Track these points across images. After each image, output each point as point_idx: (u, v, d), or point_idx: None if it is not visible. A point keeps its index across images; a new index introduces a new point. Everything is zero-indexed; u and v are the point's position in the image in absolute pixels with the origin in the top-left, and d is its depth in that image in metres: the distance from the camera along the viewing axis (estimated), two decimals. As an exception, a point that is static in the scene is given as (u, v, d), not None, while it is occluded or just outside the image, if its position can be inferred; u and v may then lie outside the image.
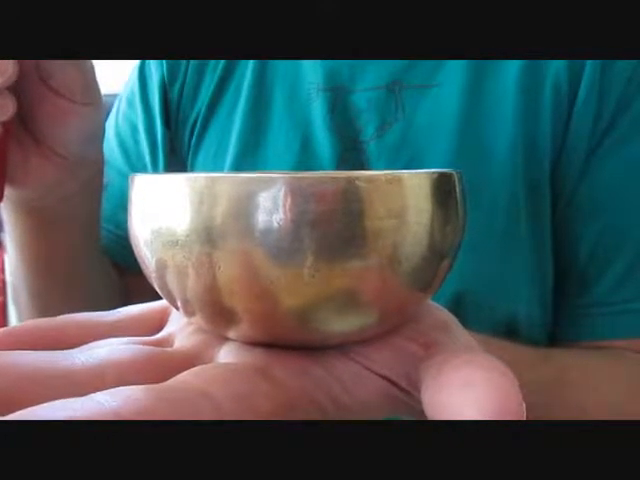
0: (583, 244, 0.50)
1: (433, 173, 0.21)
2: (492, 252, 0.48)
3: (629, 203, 0.49)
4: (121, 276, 0.57)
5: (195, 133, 0.56)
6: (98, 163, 0.45)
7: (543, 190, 0.49)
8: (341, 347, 0.21)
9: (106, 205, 0.56)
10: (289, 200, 0.19)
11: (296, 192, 0.19)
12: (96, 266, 0.53)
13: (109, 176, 0.58)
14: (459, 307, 0.46)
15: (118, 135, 0.60)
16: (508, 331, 0.49)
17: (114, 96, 0.63)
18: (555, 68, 0.48)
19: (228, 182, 0.19)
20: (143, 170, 0.58)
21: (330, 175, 0.20)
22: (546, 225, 0.50)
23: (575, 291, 0.51)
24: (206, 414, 0.16)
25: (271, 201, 0.18)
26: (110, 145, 0.59)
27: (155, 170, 0.57)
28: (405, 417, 0.23)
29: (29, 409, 0.14)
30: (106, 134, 0.59)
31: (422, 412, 0.21)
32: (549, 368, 0.44)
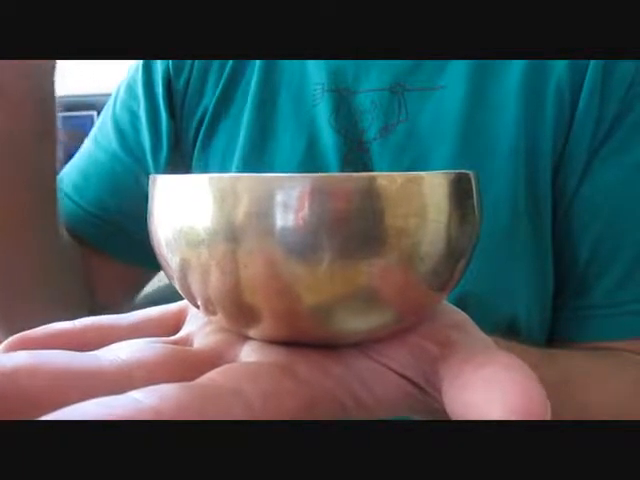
0: (583, 246, 0.50)
1: (452, 173, 0.21)
2: (493, 254, 0.49)
3: (629, 206, 0.49)
4: (106, 264, 0.57)
5: (202, 132, 0.56)
6: (47, 111, 0.45)
7: (544, 193, 0.49)
8: (359, 345, 0.21)
9: (91, 188, 0.55)
10: (311, 199, 0.19)
11: (318, 191, 0.19)
12: (49, 237, 0.51)
13: (98, 158, 0.58)
14: (461, 309, 0.46)
15: (115, 122, 0.59)
16: (508, 332, 0.49)
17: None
18: (557, 72, 0.48)
19: (251, 181, 0.19)
20: (142, 157, 0.58)
21: (351, 174, 0.20)
22: (547, 227, 0.50)
23: (575, 292, 0.51)
24: (238, 412, 0.16)
25: (293, 200, 0.19)
26: (105, 128, 0.60)
27: (157, 159, 0.57)
28: (417, 417, 0.23)
29: (67, 408, 0.14)
30: (102, 118, 0.59)
31: (437, 411, 0.21)
32: (554, 369, 0.44)
